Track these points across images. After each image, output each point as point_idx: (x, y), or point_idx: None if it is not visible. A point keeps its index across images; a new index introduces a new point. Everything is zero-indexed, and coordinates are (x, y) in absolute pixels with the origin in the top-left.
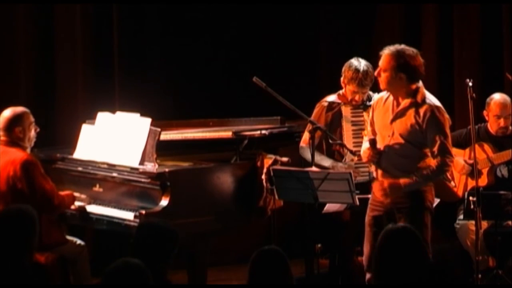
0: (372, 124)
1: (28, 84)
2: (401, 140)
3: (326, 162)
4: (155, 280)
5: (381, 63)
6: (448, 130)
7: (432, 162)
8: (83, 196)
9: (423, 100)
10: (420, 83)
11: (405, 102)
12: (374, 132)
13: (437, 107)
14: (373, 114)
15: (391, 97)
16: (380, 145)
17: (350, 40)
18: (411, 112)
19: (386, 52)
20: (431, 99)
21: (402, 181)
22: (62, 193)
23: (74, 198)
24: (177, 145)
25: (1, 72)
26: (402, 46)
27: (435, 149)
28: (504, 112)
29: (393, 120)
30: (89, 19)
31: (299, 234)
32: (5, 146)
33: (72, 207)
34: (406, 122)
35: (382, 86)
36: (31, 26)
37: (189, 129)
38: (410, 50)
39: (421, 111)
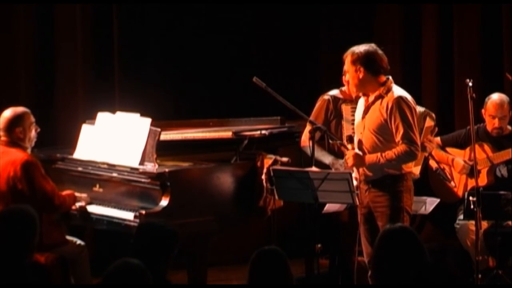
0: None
1: (28, 84)
2: (371, 134)
3: (327, 158)
4: (155, 280)
5: (344, 67)
6: (412, 120)
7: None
8: (83, 196)
9: (388, 92)
10: (389, 78)
11: (372, 97)
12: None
13: (400, 96)
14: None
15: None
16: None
17: (350, 40)
18: (377, 104)
19: (345, 55)
20: (397, 90)
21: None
22: (63, 193)
23: (75, 198)
24: (177, 145)
25: (1, 72)
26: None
27: (399, 138)
28: (500, 113)
29: (363, 116)
30: (89, 19)
31: (299, 234)
32: (5, 147)
33: (73, 207)
34: (373, 116)
35: (351, 89)
36: (31, 26)
37: (189, 129)
38: (366, 44)
39: (385, 101)
